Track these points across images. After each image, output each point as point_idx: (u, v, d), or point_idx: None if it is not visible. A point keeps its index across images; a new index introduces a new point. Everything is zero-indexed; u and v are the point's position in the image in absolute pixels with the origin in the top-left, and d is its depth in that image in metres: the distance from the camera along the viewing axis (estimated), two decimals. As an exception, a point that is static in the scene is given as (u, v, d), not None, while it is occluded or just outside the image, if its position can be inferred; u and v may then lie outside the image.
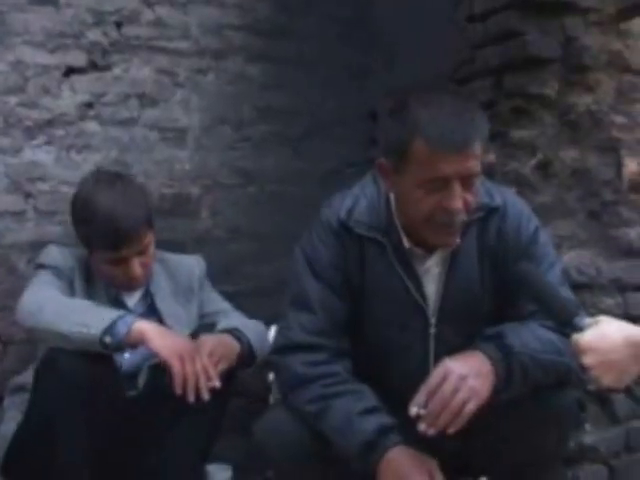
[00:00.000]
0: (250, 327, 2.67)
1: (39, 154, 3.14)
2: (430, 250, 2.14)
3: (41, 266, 2.63)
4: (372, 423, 2.02)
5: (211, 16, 3.46)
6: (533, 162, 2.95)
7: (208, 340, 2.48)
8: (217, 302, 2.86)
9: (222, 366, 2.42)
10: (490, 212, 2.16)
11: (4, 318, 3.03)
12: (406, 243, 2.13)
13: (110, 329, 2.32)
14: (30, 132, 3.12)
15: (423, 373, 1.99)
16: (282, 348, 2.19)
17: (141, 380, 2.63)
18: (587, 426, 2.81)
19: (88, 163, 3.18)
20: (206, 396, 2.32)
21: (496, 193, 2.19)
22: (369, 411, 2.05)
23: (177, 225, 3.32)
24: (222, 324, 2.66)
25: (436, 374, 1.94)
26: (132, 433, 2.53)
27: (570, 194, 2.99)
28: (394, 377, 2.16)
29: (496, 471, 2.08)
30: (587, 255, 2.96)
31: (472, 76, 3.08)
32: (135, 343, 2.37)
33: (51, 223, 3.14)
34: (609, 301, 2.94)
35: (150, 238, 2.61)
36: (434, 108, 1.99)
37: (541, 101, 2.95)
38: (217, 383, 2.35)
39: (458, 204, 1.99)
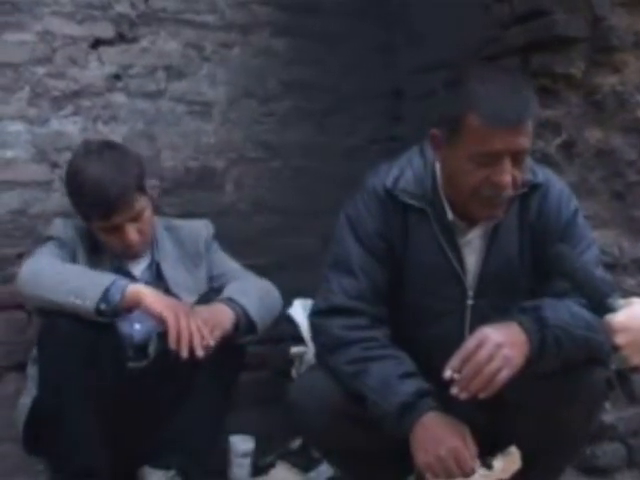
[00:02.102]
0: (251, 293, 2.65)
1: (66, 125, 3.13)
2: (472, 223, 2.18)
3: (47, 238, 2.67)
4: (411, 386, 2.08)
5: (237, -10, 3.45)
6: (558, 142, 2.96)
7: (202, 310, 2.49)
8: (226, 262, 2.86)
9: (216, 333, 2.43)
10: (533, 188, 2.20)
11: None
12: (449, 215, 2.17)
13: (104, 297, 2.34)
14: (57, 102, 3.12)
15: (458, 343, 2.02)
16: (322, 311, 2.23)
17: (151, 349, 2.66)
18: (606, 405, 2.83)
19: (114, 134, 3.17)
20: (200, 353, 2.34)
21: (539, 171, 2.23)
22: (408, 375, 2.10)
23: (202, 198, 3.33)
24: (226, 291, 2.64)
25: (472, 340, 1.98)
26: (147, 401, 2.57)
27: (594, 174, 2.99)
28: (429, 346, 2.20)
29: (523, 446, 2.10)
30: (610, 235, 2.98)
31: (498, 55, 3.08)
32: (131, 306, 2.40)
33: (77, 194, 3.14)
34: (631, 281, 2.97)
35: (143, 204, 2.61)
36: (489, 83, 2.02)
37: (567, 81, 2.95)
38: (211, 342, 2.38)
39: (507, 179, 2.02)
